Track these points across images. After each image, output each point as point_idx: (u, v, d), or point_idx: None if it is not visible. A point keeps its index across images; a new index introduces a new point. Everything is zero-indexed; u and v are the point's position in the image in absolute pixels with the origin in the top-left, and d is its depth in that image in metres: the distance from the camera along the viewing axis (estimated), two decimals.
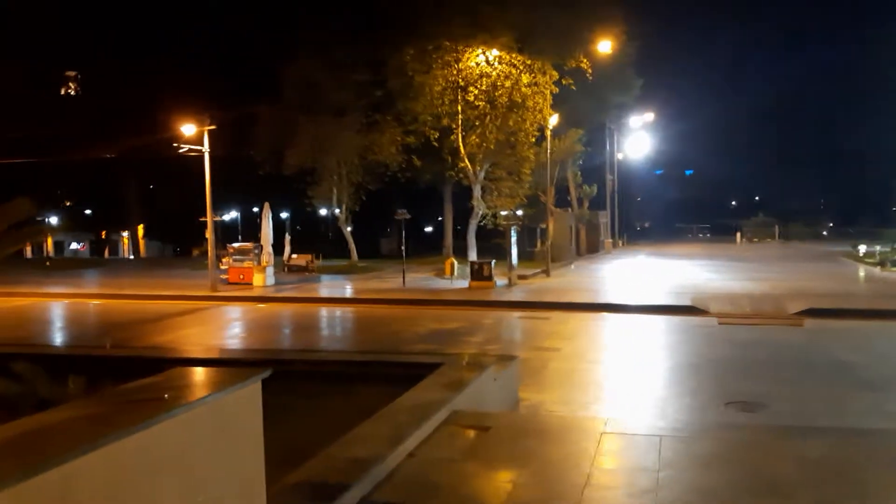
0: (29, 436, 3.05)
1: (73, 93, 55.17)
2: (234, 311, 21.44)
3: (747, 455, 6.17)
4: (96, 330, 18.61)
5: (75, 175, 53.07)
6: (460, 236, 36.16)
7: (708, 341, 15.26)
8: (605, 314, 19.79)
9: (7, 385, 6.10)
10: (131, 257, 60.56)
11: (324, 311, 21.59)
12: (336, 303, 23.31)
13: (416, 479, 5.68)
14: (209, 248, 25.73)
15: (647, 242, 66.02)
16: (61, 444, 2.96)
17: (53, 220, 62.67)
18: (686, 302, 20.64)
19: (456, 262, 29.08)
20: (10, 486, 2.62)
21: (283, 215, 53.30)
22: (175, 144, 25.28)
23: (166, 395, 3.74)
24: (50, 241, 65.85)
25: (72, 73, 54.27)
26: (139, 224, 60.77)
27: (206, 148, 25.14)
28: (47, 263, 32.58)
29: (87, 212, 64.00)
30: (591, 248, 48.08)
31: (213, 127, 25.12)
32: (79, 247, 68.73)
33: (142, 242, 63.12)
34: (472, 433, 7.11)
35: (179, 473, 3.51)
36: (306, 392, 9.18)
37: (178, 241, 57.42)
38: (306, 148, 32.82)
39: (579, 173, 48.16)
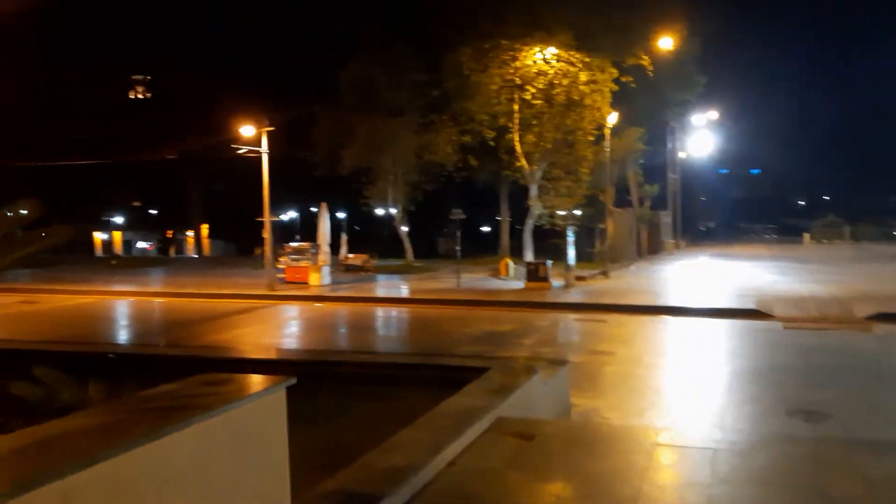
0: (32, 446, 2.94)
1: (140, 96, 56.55)
2: (291, 310, 21.58)
3: (808, 471, 5.79)
4: (155, 328, 18.92)
5: (142, 176, 54.51)
6: (517, 236, 35.87)
7: (771, 346, 14.66)
8: (665, 317, 19.26)
9: (27, 389, 6.08)
10: (195, 256, 61.86)
11: (378, 311, 21.57)
12: (390, 303, 23.28)
13: (455, 490, 5.47)
14: (266, 248, 26.03)
15: (711, 243, 64.50)
16: (64, 455, 2.84)
17: (119, 219, 64.49)
18: (750, 305, 19.94)
19: (511, 263, 28.78)
20: (4, 501, 2.50)
21: (340, 215, 53.77)
22: (234, 146, 25.63)
23: (186, 403, 3.62)
24: (119, 240, 67.83)
25: (139, 77, 55.63)
26: (203, 224, 62.06)
27: (264, 149, 25.41)
28: (112, 262, 33.43)
29: (153, 212, 65.66)
30: (653, 248, 47.13)
31: (271, 128, 25.38)
32: (147, 246, 70.56)
33: (206, 242, 64.44)
34: (516, 442, 6.86)
35: (193, 487, 3.37)
36: (353, 394, 9.07)
37: (241, 241, 58.47)
38: (362, 148, 32.95)
39: (640, 172, 47.27)
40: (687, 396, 10.72)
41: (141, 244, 70.56)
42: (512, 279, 27.42)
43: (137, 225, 68.17)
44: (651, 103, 39.63)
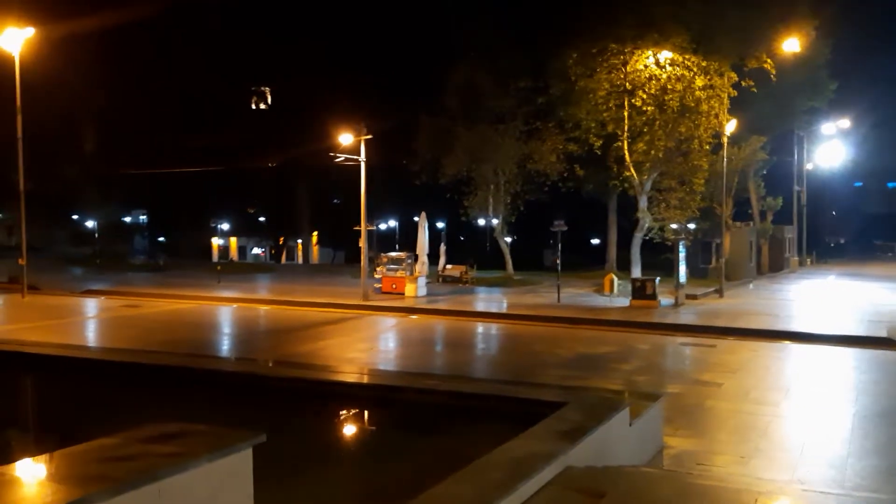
0: None
1: (262, 107, 57.90)
2: (381, 322, 20.99)
3: None
4: (242, 336, 18.68)
5: (256, 184, 55.81)
6: (627, 250, 34.22)
7: None
8: (784, 343, 17.52)
9: None
10: (300, 263, 62.94)
11: (469, 327, 20.63)
12: (483, 317, 22.31)
13: None
14: (362, 258, 25.69)
15: (841, 261, 60.08)
16: None
17: (235, 226, 66.38)
18: (881, 333, 17.90)
19: (616, 279, 27.27)
20: None
21: (440, 225, 53.28)
22: (332, 154, 25.42)
23: (104, 472, 2.78)
24: (234, 246, 69.96)
25: (259, 88, 56.94)
26: (312, 231, 63.03)
27: (361, 157, 25.06)
28: (218, 268, 33.94)
29: (266, 219, 67.29)
30: (774, 266, 44.21)
31: (368, 136, 25.00)
32: (260, 252, 72.48)
33: (315, 249, 65.40)
34: (581, 500, 5.76)
35: None
36: (410, 426, 8.19)
37: (348, 248, 59.15)
38: (463, 156, 32.30)
39: (762, 184, 44.43)
40: (800, 441, 9.24)
41: (255, 250, 72.59)
42: (616, 296, 25.95)
43: (252, 231, 70.15)
44: (775, 110, 36.98)
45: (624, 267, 33.14)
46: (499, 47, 32.04)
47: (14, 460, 3.26)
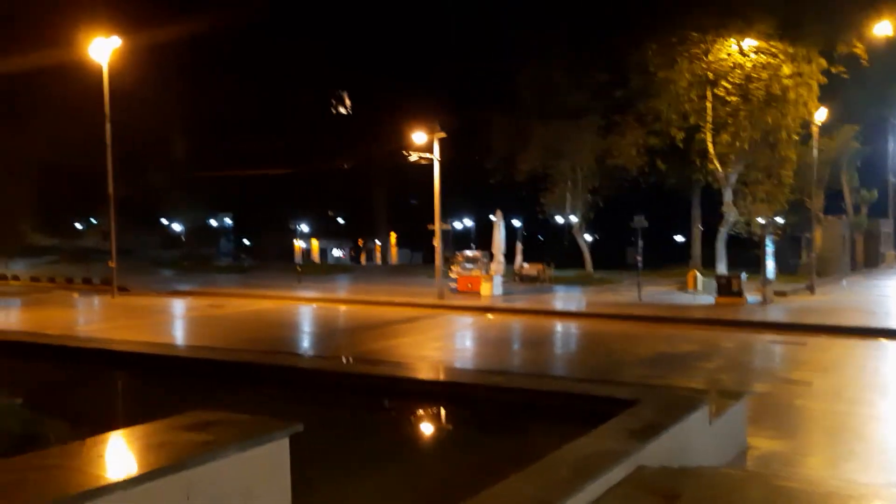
0: None
1: (344, 111, 58.80)
2: (456, 321, 20.85)
3: None
4: (321, 334, 18.85)
5: (337, 185, 56.61)
6: (711, 246, 33.16)
7: None
8: (880, 341, 16.53)
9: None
10: (378, 264, 63.55)
11: (546, 325, 20.26)
12: (561, 316, 21.90)
13: None
14: (436, 257, 25.62)
15: None
16: None
17: (316, 228, 67.49)
18: None
19: (700, 275, 26.37)
20: None
21: (516, 223, 52.69)
22: (405, 152, 25.45)
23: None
24: (316, 248, 71.15)
25: (339, 92, 57.79)
26: (391, 232, 63.53)
27: (435, 156, 24.97)
28: (298, 269, 34.55)
29: (344, 221, 68.16)
30: (870, 261, 42.18)
31: (442, 135, 24.89)
32: (340, 254, 73.46)
33: (394, 250, 65.86)
34: (653, 501, 5.42)
35: None
36: (481, 424, 8.00)
37: (424, 249, 59.46)
38: (540, 153, 31.89)
39: (856, 175, 42.40)
40: None
41: (336, 252, 73.63)
42: (700, 293, 25.10)
43: (333, 234, 71.23)
44: (868, 98, 35.18)
45: (709, 264, 32.13)
46: (574, 41, 31.54)
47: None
